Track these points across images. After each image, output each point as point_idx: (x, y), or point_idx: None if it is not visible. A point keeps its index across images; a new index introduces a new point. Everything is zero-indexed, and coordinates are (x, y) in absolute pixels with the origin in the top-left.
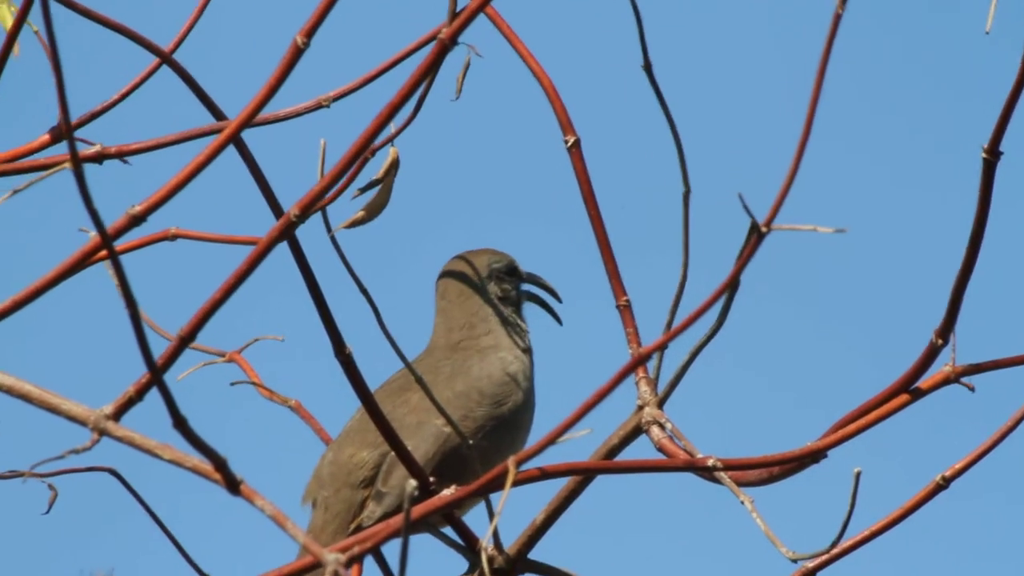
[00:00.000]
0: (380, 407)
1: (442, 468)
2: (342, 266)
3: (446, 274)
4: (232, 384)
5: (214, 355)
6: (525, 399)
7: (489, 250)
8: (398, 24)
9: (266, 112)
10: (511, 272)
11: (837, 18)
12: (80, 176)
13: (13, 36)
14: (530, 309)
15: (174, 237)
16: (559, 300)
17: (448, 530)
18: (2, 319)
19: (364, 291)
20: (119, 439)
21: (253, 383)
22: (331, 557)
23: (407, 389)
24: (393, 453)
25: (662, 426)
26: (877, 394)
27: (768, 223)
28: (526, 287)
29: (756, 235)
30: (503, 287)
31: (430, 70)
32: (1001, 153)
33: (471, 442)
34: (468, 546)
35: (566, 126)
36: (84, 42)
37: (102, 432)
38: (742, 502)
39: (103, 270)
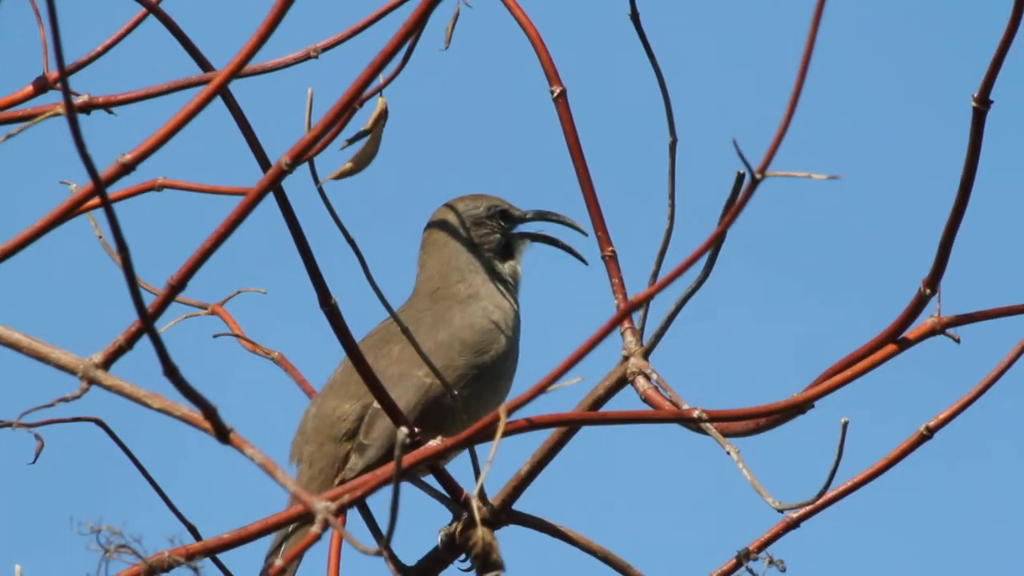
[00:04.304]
0: None
1: (424, 418)
2: (326, 218)
3: (428, 224)
4: (215, 336)
5: (197, 307)
6: (507, 348)
7: (469, 196)
8: None
9: (254, 63)
10: (497, 216)
11: None
12: (74, 122)
13: None
14: (534, 250)
15: (161, 187)
16: (583, 232)
17: (430, 479)
18: None
19: (351, 241)
20: (108, 388)
21: (236, 335)
22: (321, 505)
23: (389, 341)
24: (376, 404)
25: (648, 377)
26: (863, 344)
27: (762, 170)
28: (528, 228)
29: (750, 182)
30: (481, 233)
31: (421, 20)
32: (991, 102)
33: (455, 392)
34: (452, 497)
35: (552, 76)
36: None
37: (91, 381)
38: (728, 453)
39: (91, 220)
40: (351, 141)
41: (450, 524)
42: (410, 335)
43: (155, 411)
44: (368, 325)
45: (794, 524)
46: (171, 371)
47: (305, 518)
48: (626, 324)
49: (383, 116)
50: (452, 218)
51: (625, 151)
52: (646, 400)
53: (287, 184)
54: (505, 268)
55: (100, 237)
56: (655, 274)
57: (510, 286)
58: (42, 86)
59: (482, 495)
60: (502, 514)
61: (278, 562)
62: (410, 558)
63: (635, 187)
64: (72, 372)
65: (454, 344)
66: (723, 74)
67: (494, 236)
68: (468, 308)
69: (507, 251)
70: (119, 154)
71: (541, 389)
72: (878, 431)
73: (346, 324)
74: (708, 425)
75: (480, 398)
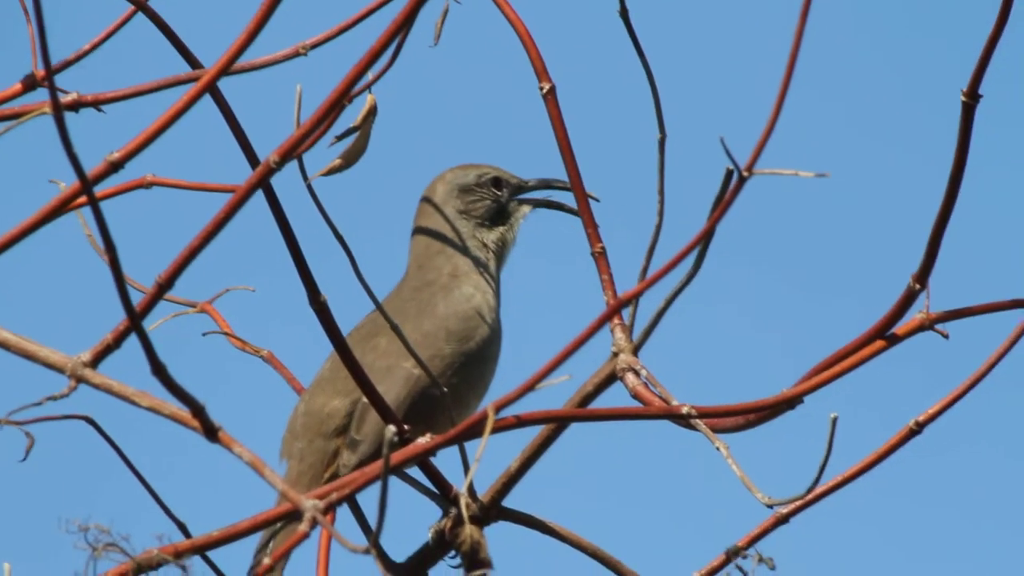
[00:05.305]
0: None
1: (414, 411)
2: (315, 216)
3: (420, 199)
4: (204, 334)
5: (185, 305)
6: (491, 331)
7: (459, 165)
8: None
9: (243, 60)
10: (488, 184)
11: None
12: (60, 121)
13: None
14: (534, 221)
15: (150, 185)
16: (569, 188)
17: (420, 476)
18: None
19: (339, 237)
20: (96, 386)
21: (225, 333)
22: (309, 504)
23: (375, 334)
24: (365, 400)
25: (637, 373)
26: (853, 340)
27: (749, 167)
28: (532, 196)
29: (738, 179)
30: (469, 200)
31: (410, 16)
32: (980, 96)
33: (442, 384)
34: (442, 493)
35: (541, 73)
36: None
37: (79, 379)
38: (717, 448)
39: (77, 218)
40: (340, 138)
41: (440, 520)
42: (399, 331)
43: (144, 409)
44: (356, 322)
45: (784, 520)
46: (159, 370)
47: (294, 516)
48: (616, 320)
49: (372, 113)
50: (440, 189)
51: (614, 148)
52: (636, 396)
53: (276, 181)
54: (491, 236)
55: (89, 235)
56: (644, 270)
57: (491, 256)
58: (31, 84)
59: (471, 492)
60: (492, 510)
61: (266, 560)
62: (401, 554)
63: (624, 183)
64: (60, 371)
65: (440, 334)
66: (712, 70)
67: (483, 203)
68: (450, 295)
69: (499, 218)
70: (108, 152)
71: (530, 386)
72: (867, 426)
73: (335, 321)
74: (698, 421)
75: (468, 383)
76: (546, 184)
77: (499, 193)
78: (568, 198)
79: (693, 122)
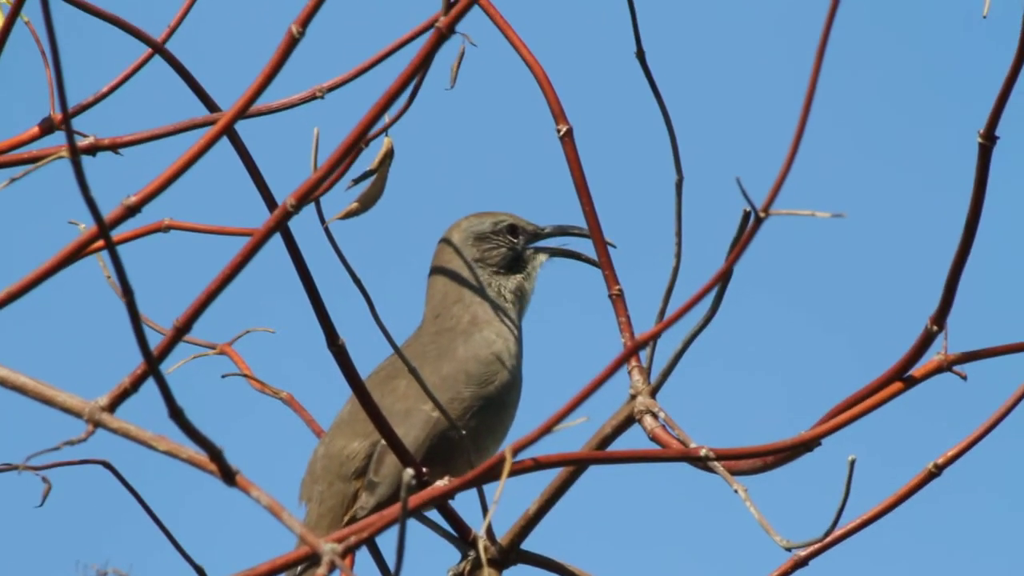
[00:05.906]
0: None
1: (433, 453)
2: (332, 258)
3: (436, 247)
4: (223, 376)
5: (205, 347)
6: (511, 377)
7: (475, 213)
8: (391, 14)
9: (260, 103)
10: (504, 231)
11: (835, 2)
12: (78, 165)
13: (6, 32)
14: (552, 267)
15: (167, 228)
16: (586, 235)
17: (438, 518)
18: None
19: (357, 280)
20: (114, 431)
21: (244, 375)
22: (327, 547)
23: (394, 377)
24: (384, 442)
25: (655, 415)
26: (871, 382)
27: (766, 208)
28: (548, 243)
29: (754, 220)
30: (485, 248)
31: (426, 59)
32: (997, 138)
33: (461, 428)
34: (460, 536)
35: (559, 115)
36: (75, 32)
37: (97, 424)
38: (735, 491)
39: (97, 262)
40: (357, 181)
41: (459, 563)
42: (417, 374)
43: (161, 453)
44: (376, 364)
45: (802, 562)
46: (176, 414)
47: (312, 559)
48: (633, 362)
49: (389, 156)
50: (455, 237)
51: (631, 189)
52: (653, 439)
53: (294, 224)
54: (508, 284)
55: (109, 278)
56: (662, 312)
57: (510, 305)
58: (48, 127)
59: (490, 534)
60: (511, 553)
61: None
62: None
63: (641, 225)
64: (78, 415)
65: (459, 376)
66: (729, 111)
67: (499, 251)
68: (471, 339)
69: (516, 266)
70: (126, 195)
71: (548, 429)
72: (886, 469)
73: (354, 364)
74: (715, 463)
75: (487, 427)
76: (562, 231)
77: (515, 240)
78: (585, 244)
79: (710, 163)
